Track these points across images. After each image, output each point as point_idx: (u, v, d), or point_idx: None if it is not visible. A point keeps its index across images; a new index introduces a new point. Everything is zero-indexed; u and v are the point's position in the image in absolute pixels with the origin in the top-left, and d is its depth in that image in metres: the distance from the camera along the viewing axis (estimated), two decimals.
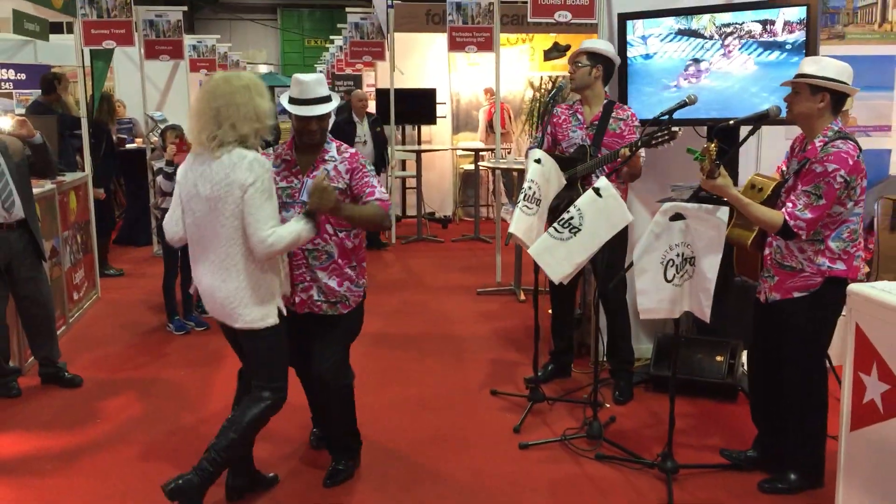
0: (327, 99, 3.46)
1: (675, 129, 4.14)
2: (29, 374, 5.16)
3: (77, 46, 6.99)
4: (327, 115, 3.49)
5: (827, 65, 3.43)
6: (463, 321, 6.47)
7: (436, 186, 11.34)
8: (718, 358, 4.72)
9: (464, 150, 11.18)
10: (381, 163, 9.24)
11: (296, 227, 3.23)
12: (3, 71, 10.40)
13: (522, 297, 7.04)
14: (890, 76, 5.17)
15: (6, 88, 10.34)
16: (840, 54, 4.79)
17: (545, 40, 10.97)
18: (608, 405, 4.62)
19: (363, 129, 9.21)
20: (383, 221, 3.54)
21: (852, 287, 2.78)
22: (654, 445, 4.04)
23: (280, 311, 3.36)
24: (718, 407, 4.60)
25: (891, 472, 2.55)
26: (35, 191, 5.08)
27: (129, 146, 9.96)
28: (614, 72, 4.74)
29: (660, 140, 4.16)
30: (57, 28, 10.70)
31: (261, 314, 3.28)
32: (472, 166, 10.63)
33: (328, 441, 3.95)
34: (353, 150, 3.59)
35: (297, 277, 3.57)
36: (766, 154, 5.18)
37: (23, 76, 10.60)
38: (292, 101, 3.46)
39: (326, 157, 3.53)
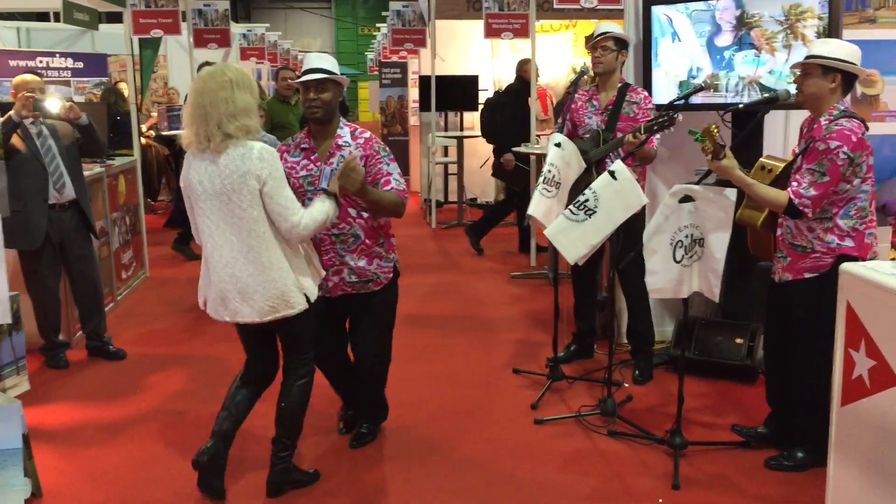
0: (328, 72, 3.52)
1: (674, 114, 4.19)
2: (77, 347, 5.46)
3: (126, 35, 7.28)
4: (327, 87, 3.51)
5: (837, 47, 3.47)
6: (494, 303, 6.60)
7: (478, 172, 11.44)
8: (738, 340, 4.77)
9: None
10: None
11: (323, 207, 3.32)
12: (62, 60, 10.83)
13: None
14: None
15: (65, 77, 10.77)
16: (871, 38, 4.82)
17: (588, 26, 10.95)
18: (626, 385, 4.72)
19: None
20: (398, 209, 3.61)
21: (844, 265, 2.83)
22: (667, 423, 4.10)
23: (307, 296, 3.37)
24: (736, 388, 4.65)
25: (877, 445, 2.61)
26: (85, 174, 5.36)
27: (178, 132, 10.31)
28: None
29: (659, 126, 4.22)
30: (115, 17, 11.11)
31: (295, 299, 3.31)
32: None
33: (354, 409, 4.15)
34: (367, 136, 3.66)
35: (327, 262, 3.67)
36: (793, 137, 5.17)
37: (80, 65, 11.03)
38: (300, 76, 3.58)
39: (340, 143, 3.61)
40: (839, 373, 2.79)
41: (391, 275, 3.80)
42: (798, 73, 3.54)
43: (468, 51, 11.16)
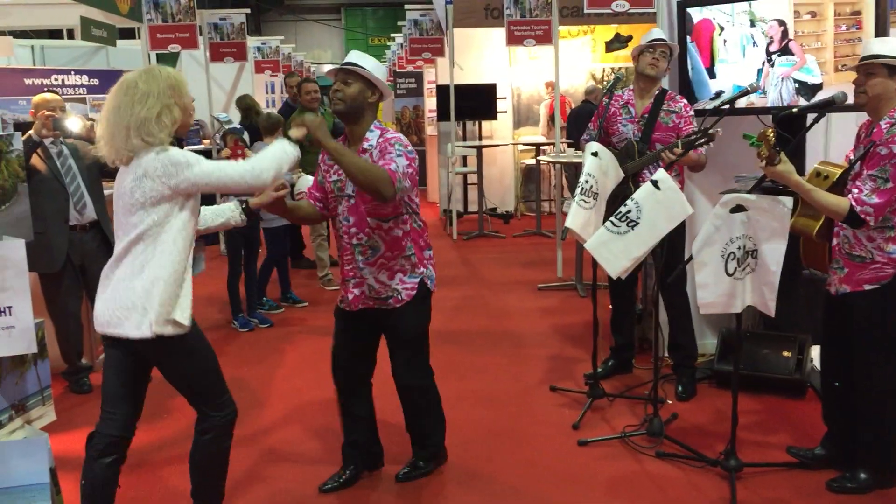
0: (356, 65, 3.31)
1: (711, 130, 4.02)
2: (100, 371, 5.29)
3: (144, 51, 7.19)
4: (354, 81, 3.31)
5: None
6: (522, 317, 6.44)
7: (497, 182, 11.32)
8: (786, 353, 4.58)
9: (524, 144, 11.12)
10: None
11: (274, 147, 3.08)
12: (77, 77, 10.75)
13: (583, 292, 6.96)
14: None
15: (80, 94, 10.69)
16: None
17: (607, 31, 10.82)
18: (670, 402, 4.53)
19: None
20: (379, 184, 3.15)
21: None
22: (717, 443, 3.93)
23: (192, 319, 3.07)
24: (785, 403, 4.46)
25: None
26: (105, 193, 5.22)
27: (196, 147, 10.21)
28: None
29: (697, 143, 4.06)
30: (128, 34, 11.03)
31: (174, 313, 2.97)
32: (533, 161, 10.56)
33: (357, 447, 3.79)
34: (392, 136, 3.36)
35: (348, 273, 3.50)
36: (834, 142, 5.01)
37: (96, 81, 10.94)
38: None
39: (366, 147, 3.35)
40: None
41: (414, 292, 3.51)
42: (859, 75, 3.36)
43: (485, 59, 11.02)
